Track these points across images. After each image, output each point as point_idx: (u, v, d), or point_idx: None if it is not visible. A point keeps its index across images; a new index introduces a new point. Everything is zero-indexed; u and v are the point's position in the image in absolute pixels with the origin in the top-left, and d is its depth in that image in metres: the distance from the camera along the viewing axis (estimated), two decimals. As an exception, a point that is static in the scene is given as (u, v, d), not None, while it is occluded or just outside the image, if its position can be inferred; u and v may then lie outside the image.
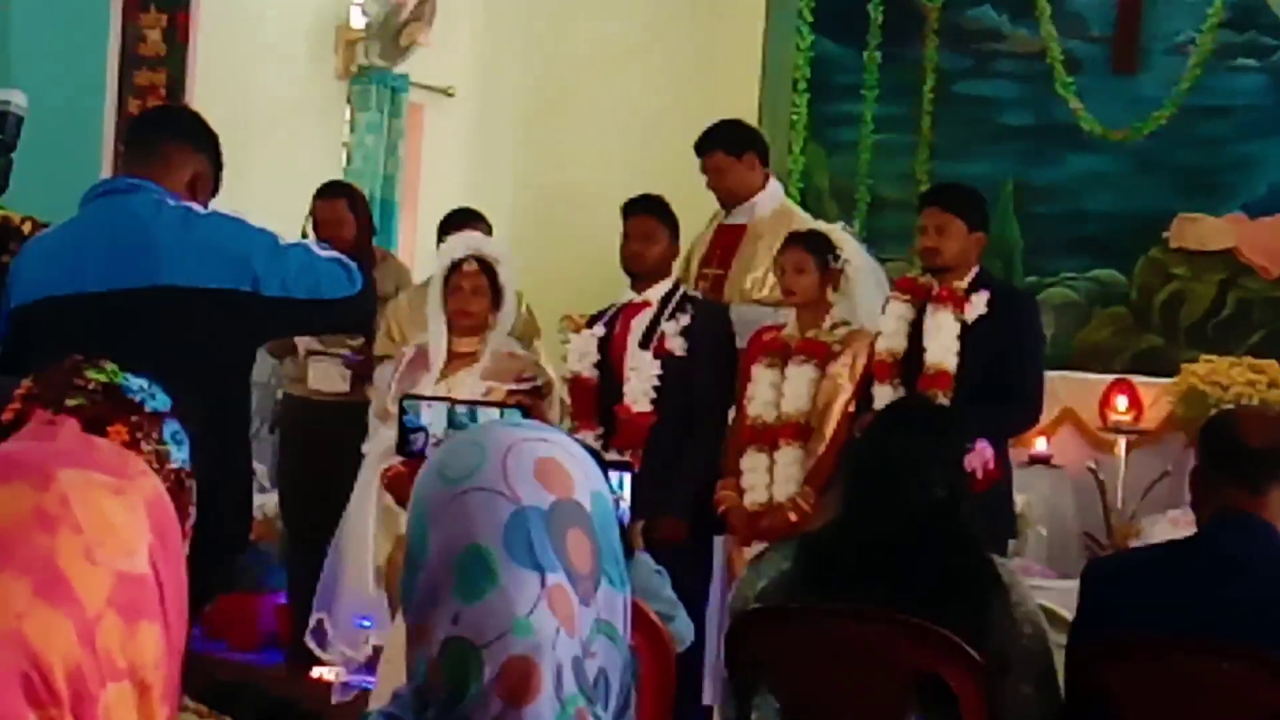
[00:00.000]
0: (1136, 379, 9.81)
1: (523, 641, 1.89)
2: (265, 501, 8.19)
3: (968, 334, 6.57)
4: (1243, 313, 10.12)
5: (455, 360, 6.85)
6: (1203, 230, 10.23)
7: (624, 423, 6.90)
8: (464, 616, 1.90)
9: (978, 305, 6.59)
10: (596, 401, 7.05)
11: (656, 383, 6.92)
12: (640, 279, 7.09)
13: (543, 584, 1.90)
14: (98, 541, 1.65)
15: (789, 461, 6.70)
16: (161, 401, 2.32)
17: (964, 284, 6.63)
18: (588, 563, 1.94)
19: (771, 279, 7.20)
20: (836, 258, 6.79)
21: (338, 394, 7.74)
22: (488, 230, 7.73)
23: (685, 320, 6.97)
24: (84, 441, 2.17)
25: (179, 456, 2.33)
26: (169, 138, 4.85)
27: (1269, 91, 10.14)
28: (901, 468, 4.20)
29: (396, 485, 6.65)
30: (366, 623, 7.10)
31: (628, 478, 5.50)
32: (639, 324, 7.02)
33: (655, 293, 7.06)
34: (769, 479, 6.73)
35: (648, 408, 6.91)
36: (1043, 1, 10.34)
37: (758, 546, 6.06)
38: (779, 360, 6.80)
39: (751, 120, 10.73)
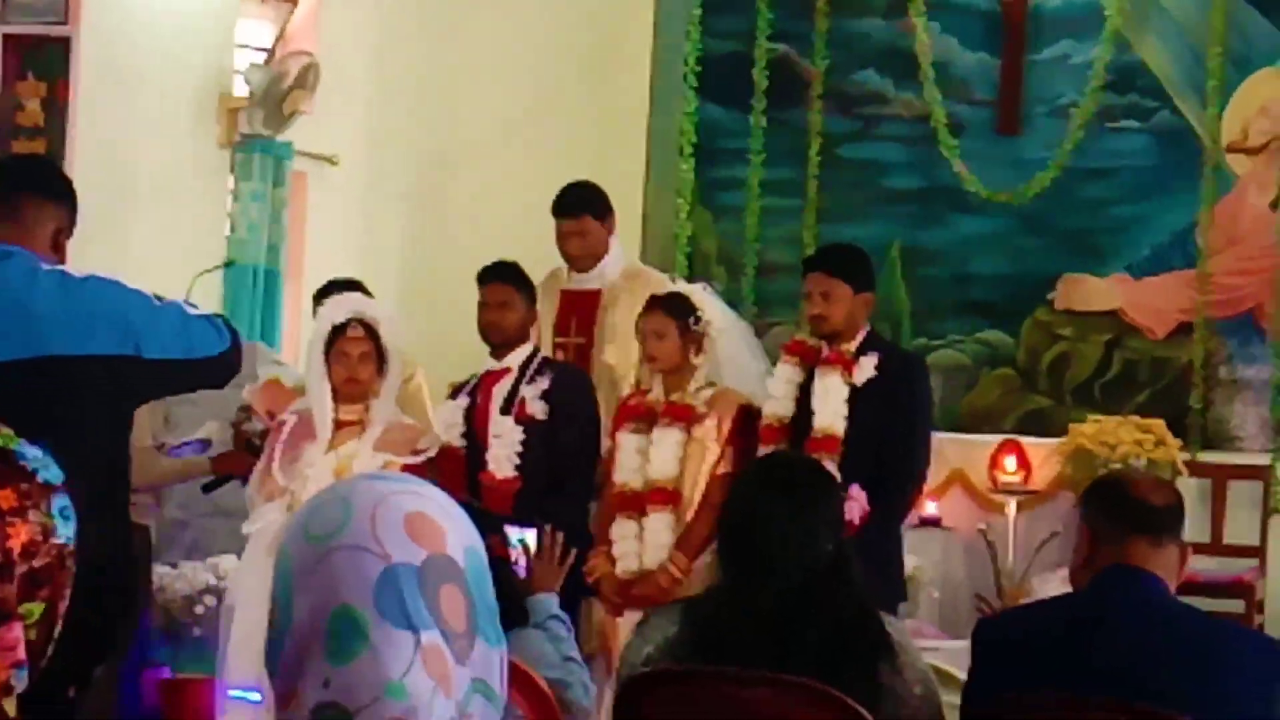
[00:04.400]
0: (1025, 440, 9.86)
1: (398, 704, 1.83)
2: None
3: (856, 397, 6.55)
4: (1129, 373, 10.19)
5: (340, 429, 6.72)
6: (1088, 291, 10.31)
7: (489, 489, 6.83)
8: (335, 680, 1.84)
9: (866, 368, 6.57)
10: (465, 471, 6.97)
11: (519, 448, 6.86)
12: (499, 347, 7.03)
13: (417, 644, 1.85)
14: None
15: (659, 528, 6.63)
16: (54, 474, 2.25)
17: (853, 347, 6.61)
18: (463, 620, 1.88)
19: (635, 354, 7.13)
20: (698, 319, 6.72)
21: None
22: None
23: (544, 384, 6.91)
24: None
25: (64, 533, 2.25)
26: (28, 194, 4.75)
27: (1150, 153, 10.24)
28: (784, 528, 4.13)
29: None
30: (256, 695, 6.97)
31: (532, 534, 5.38)
32: (500, 391, 6.96)
33: (514, 359, 7.00)
34: (639, 546, 6.66)
35: (511, 473, 6.85)
36: (926, 65, 10.41)
37: (631, 615, 6.01)
38: (645, 426, 6.73)
39: (639, 185, 10.77)
